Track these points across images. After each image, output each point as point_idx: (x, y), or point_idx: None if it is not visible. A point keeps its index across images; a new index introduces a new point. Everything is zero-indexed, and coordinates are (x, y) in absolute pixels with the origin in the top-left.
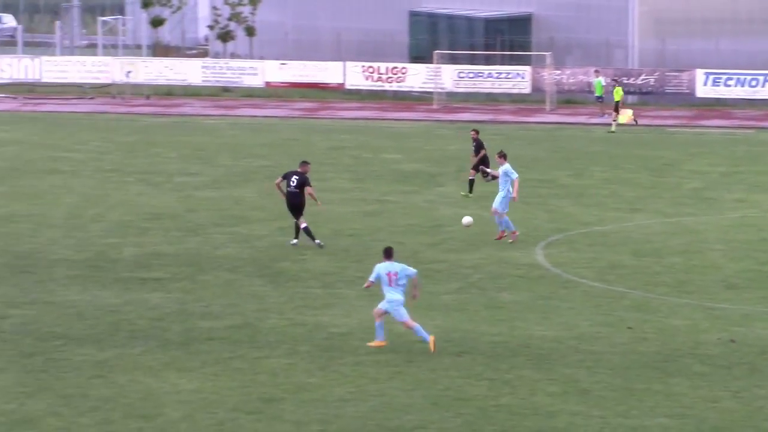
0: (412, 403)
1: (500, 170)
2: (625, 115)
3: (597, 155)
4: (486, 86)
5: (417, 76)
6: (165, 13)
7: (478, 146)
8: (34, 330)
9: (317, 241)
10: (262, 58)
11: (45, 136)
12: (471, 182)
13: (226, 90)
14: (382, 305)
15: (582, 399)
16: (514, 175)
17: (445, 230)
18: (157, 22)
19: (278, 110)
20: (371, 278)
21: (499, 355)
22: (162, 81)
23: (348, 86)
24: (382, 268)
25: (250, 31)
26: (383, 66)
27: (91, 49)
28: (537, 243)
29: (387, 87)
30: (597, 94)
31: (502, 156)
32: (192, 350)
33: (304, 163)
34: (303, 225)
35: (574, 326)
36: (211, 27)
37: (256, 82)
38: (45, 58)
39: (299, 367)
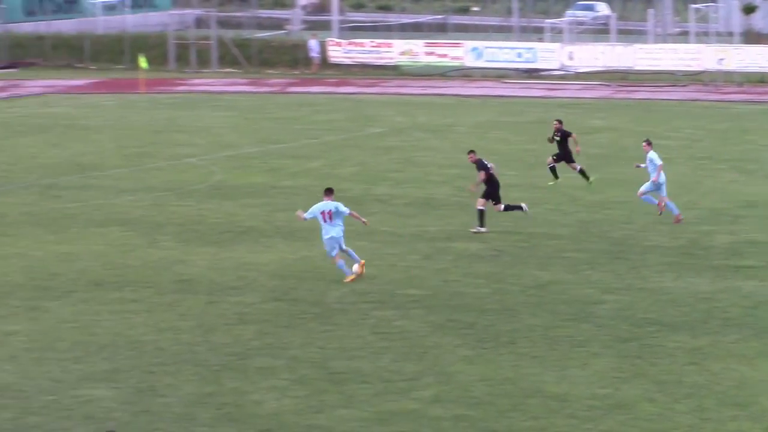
0: None
1: (647, 157)
2: None
3: None
4: None
5: None
6: (757, 0)
7: (564, 136)
8: (629, 316)
9: (483, 227)
10: None
11: (637, 123)
12: (552, 169)
13: None
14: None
15: None
16: (658, 162)
17: None
18: (748, 9)
19: None
20: (306, 216)
21: None
22: (754, 68)
23: None
24: (318, 207)
25: None
26: None
27: (682, 36)
28: None
29: None
30: None
31: (648, 143)
32: None
33: (471, 151)
34: (501, 208)
35: None
36: None
37: None
38: (638, 45)
39: None
